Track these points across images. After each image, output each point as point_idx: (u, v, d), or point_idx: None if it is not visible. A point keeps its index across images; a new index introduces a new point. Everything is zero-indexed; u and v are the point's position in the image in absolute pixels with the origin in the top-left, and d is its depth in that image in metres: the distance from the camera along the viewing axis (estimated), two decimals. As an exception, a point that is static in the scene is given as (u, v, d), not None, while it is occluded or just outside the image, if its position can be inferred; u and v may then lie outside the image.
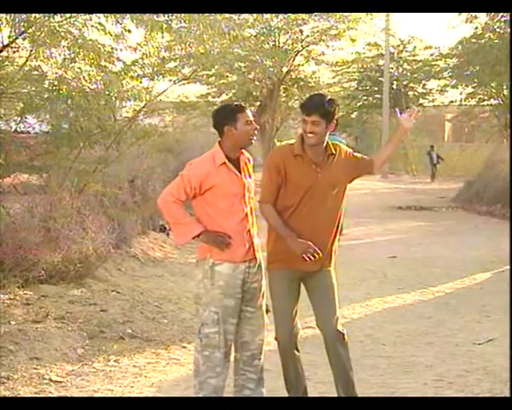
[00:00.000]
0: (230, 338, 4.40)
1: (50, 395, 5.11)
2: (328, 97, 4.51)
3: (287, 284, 4.50)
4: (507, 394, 4.96)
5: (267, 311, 4.61)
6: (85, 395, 5.17)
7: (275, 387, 4.89)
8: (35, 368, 5.58)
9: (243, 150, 4.50)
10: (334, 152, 4.51)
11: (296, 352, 4.57)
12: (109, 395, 5.21)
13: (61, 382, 5.40)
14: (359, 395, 4.53)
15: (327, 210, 4.46)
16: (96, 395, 5.19)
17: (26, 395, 5.06)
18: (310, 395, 4.68)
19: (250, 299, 4.44)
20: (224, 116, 4.45)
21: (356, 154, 4.67)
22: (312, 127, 4.41)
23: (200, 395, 4.36)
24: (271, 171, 4.47)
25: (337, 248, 4.63)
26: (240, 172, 4.44)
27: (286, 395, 4.64)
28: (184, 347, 6.45)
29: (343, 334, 4.46)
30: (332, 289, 4.51)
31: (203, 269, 4.39)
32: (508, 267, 9.66)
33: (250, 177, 4.50)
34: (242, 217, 4.40)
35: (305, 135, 4.44)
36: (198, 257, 4.47)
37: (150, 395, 5.23)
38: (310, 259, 4.34)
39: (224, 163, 4.38)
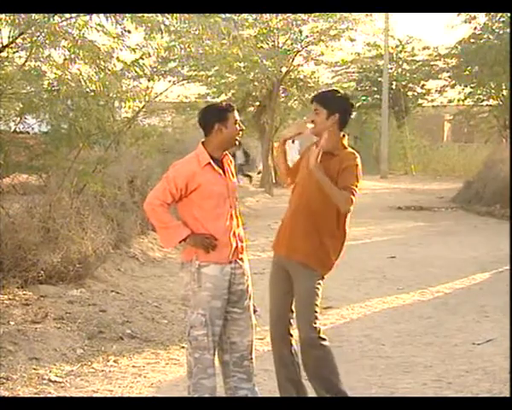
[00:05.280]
0: (216, 339, 4.42)
1: (50, 396, 5.11)
2: (339, 92, 4.58)
3: (274, 268, 4.64)
4: (506, 394, 4.97)
5: (254, 311, 4.63)
6: (85, 396, 5.17)
7: (274, 387, 4.89)
8: (34, 368, 5.58)
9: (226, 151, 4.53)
10: (337, 154, 4.45)
11: (285, 343, 4.54)
12: (108, 395, 5.21)
13: (60, 382, 5.40)
14: (359, 396, 4.53)
15: (309, 200, 4.45)
16: (95, 395, 5.20)
17: (25, 396, 5.06)
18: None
19: (237, 301, 4.45)
20: (215, 114, 4.46)
21: (345, 168, 4.44)
22: (312, 115, 4.48)
23: (196, 396, 4.37)
24: None
25: (332, 257, 4.52)
26: (224, 173, 4.45)
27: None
28: (183, 347, 6.42)
29: (312, 337, 4.38)
30: (303, 293, 4.44)
31: (189, 271, 4.39)
32: (507, 268, 9.66)
33: (234, 177, 4.54)
34: (228, 218, 4.41)
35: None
36: (183, 259, 4.47)
37: (149, 396, 5.24)
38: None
39: (209, 163, 4.40)
